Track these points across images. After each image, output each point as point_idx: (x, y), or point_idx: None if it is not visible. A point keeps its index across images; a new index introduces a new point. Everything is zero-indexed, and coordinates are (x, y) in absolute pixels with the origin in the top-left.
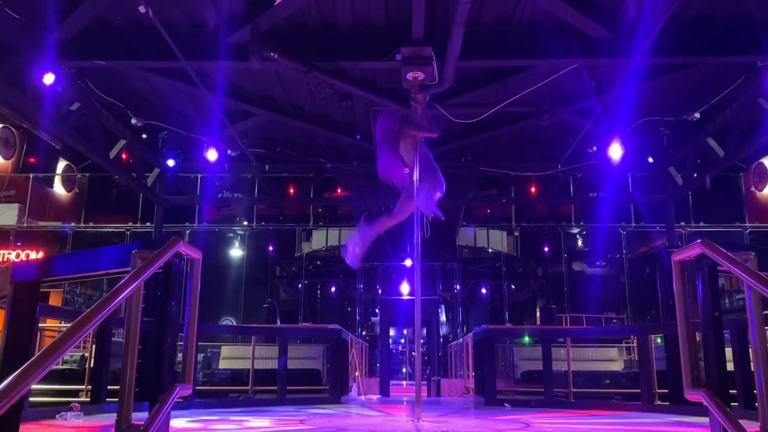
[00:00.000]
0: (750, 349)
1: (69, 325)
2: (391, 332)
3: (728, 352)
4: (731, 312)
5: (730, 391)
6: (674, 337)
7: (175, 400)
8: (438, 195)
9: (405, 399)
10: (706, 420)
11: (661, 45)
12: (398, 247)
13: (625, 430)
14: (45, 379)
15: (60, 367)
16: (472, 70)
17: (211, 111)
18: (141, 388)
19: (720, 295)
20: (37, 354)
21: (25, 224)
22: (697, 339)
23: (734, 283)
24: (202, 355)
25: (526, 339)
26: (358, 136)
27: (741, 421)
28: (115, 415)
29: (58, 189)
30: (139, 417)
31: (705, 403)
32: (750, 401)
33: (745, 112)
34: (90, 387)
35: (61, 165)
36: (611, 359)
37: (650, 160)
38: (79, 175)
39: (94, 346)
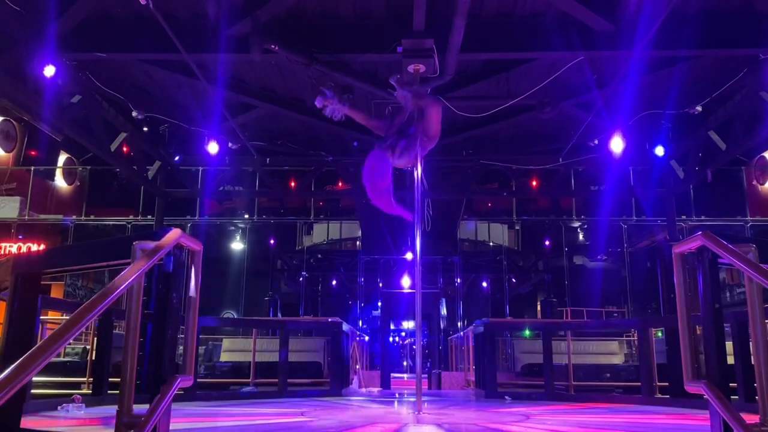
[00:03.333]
0: (750, 342)
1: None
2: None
3: (729, 346)
4: (732, 305)
5: (731, 384)
6: (675, 331)
7: (177, 392)
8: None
9: (406, 392)
10: (706, 413)
11: (662, 37)
12: (399, 241)
13: (624, 422)
14: (47, 372)
15: (62, 359)
16: (473, 62)
17: (212, 103)
18: (142, 380)
19: (721, 288)
20: (37, 345)
21: (26, 217)
22: (698, 332)
23: (735, 276)
24: (204, 347)
25: (527, 332)
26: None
27: (741, 414)
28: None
29: (60, 182)
30: (141, 409)
31: (705, 395)
32: (750, 394)
33: (746, 105)
34: (92, 379)
35: (63, 158)
36: (612, 352)
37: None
38: (80, 168)
39: (95, 338)
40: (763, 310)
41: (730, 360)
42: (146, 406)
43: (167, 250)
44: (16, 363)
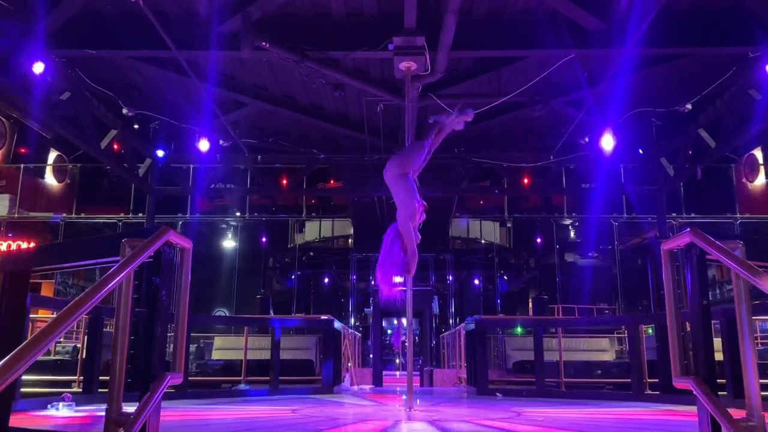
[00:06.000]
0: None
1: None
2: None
3: (718, 342)
4: (722, 302)
5: (719, 380)
6: (665, 328)
7: (168, 390)
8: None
9: (398, 389)
10: (694, 409)
11: (652, 36)
12: None
13: (614, 418)
14: (37, 370)
15: (52, 357)
16: (465, 60)
17: (202, 101)
18: (133, 378)
19: (710, 285)
20: (24, 342)
21: (16, 215)
22: (687, 328)
23: (725, 273)
24: (195, 345)
25: (519, 329)
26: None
27: (729, 409)
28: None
29: (50, 179)
30: (131, 407)
31: (693, 391)
32: (739, 391)
33: (736, 103)
34: (82, 377)
35: (53, 155)
36: (602, 349)
37: (640, 151)
38: (71, 166)
39: (86, 336)
40: (751, 307)
41: (719, 356)
42: (137, 404)
43: (156, 247)
44: (3, 360)
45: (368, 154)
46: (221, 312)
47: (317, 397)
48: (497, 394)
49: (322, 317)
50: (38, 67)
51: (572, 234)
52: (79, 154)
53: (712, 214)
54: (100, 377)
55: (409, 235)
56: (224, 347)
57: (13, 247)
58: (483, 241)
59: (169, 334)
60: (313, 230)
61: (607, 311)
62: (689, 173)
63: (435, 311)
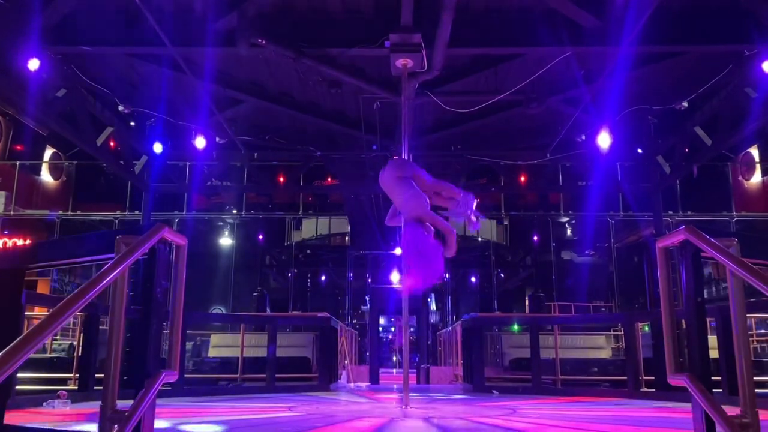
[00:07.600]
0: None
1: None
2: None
3: (714, 340)
4: (717, 300)
5: (714, 377)
6: (660, 325)
7: (164, 387)
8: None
9: (394, 386)
10: (690, 406)
11: (649, 33)
12: (388, 236)
13: (609, 416)
14: (33, 368)
15: (48, 355)
16: (462, 57)
17: (199, 98)
18: (128, 375)
19: (706, 282)
20: (18, 339)
21: (12, 212)
22: (683, 326)
23: (721, 271)
24: (192, 343)
25: (515, 327)
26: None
27: (723, 406)
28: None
29: (46, 177)
30: (126, 404)
31: (688, 388)
32: (733, 388)
33: (732, 101)
34: (78, 375)
35: (49, 152)
36: (599, 347)
37: (639, 150)
38: (67, 163)
39: (82, 334)
40: (745, 304)
41: (714, 354)
42: (132, 402)
43: (151, 244)
44: None
45: (365, 152)
46: (218, 309)
47: (314, 394)
48: (494, 391)
49: (319, 315)
50: (33, 64)
51: (569, 232)
52: (75, 151)
53: (708, 211)
54: (96, 375)
55: (430, 215)
56: (221, 345)
57: (9, 244)
58: (480, 239)
59: (164, 332)
60: (310, 228)
61: (603, 309)
62: (685, 171)
63: (432, 309)
